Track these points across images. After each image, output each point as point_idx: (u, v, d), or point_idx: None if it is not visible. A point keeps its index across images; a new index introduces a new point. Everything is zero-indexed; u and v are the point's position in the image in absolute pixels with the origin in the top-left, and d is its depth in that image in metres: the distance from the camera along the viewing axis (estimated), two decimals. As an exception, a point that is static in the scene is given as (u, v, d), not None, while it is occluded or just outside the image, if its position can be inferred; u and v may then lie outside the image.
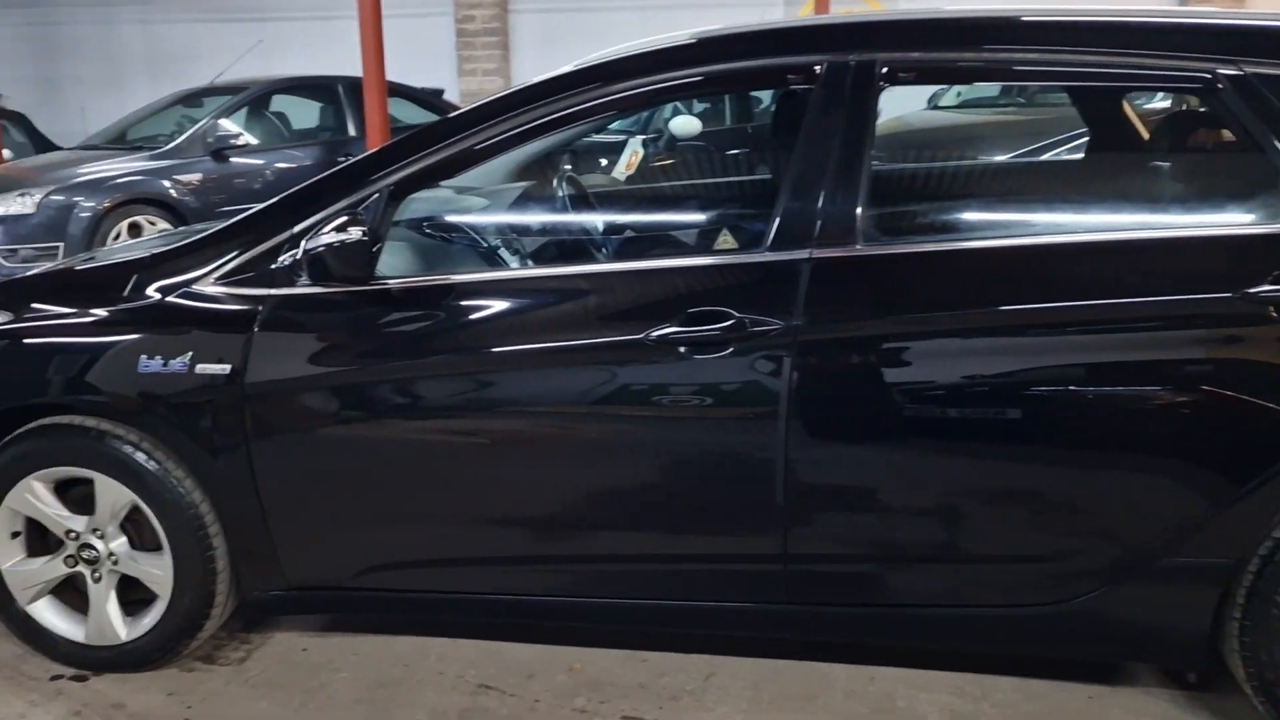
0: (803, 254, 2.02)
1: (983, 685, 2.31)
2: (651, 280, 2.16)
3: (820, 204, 2.03)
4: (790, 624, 2.23)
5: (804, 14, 9.56)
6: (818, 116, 2.08)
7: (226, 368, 2.19)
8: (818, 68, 2.09)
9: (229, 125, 7.40)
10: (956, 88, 7.37)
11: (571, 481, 2.19)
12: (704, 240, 3.08)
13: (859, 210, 2.02)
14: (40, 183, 6.70)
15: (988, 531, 2.05)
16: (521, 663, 2.45)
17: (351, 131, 7.92)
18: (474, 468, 2.20)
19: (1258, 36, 2.03)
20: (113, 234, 6.65)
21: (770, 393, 2.01)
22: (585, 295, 2.19)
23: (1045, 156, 4.44)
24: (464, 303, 2.19)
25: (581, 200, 3.11)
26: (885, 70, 2.06)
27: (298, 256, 2.18)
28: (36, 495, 2.36)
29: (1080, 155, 3.50)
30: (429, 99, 8.65)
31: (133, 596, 2.41)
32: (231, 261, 2.27)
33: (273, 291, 2.22)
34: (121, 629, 2.40)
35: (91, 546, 2.37)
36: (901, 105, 7.04)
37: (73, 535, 2.38)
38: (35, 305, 2.43)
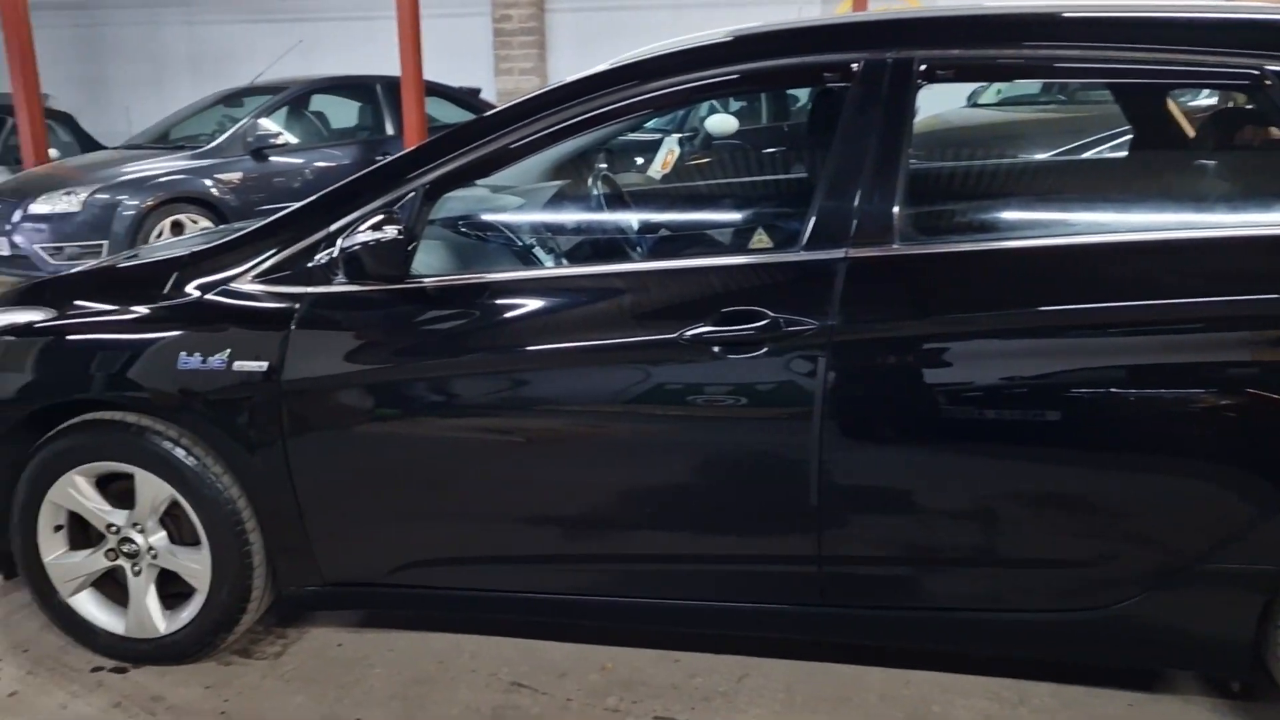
0: (838, 253, 2.00)
1: (1020, 691, 2.28)
2: (686, 279, 2.15)
3: (856, 203, 2.01)
4: (824, 626, 2.21)
5: (841, 11, 9.49)
6: (854, 115, 2.06)
7: (264, 365, 2.21)
8: (854, 65, 2.07)
9: (269, 125, 7.49)
10: (996, 85, 7.28)
11: (604, 480, 2.19)
12: (739, 239, 3.06)
13: (895, 209, 2.00)
14: (85, 181, 6.82)
15: (1026, 535, 2.02)
16: (554, 661, 2.46)
17: (389, 130, 7.98)
18: (508, 466, 2.21)
19: (1307, 31, 1.98)
20: (155, 232, 6.75)
21: (805, 393, 1.99)
22: (619, 294, 2.18)
23: (1087, 155, 4.38)
24: (498, 301, 2.20)
25: (616, 199, 3.11)
26: (923, 68, 2.04)
27: (334, 255, 2.20)
28: (79, 490, 2.40)
29: (1123, 153, 3.45)
30: (466, 98, 8.70)
31: (171, 590, 2.45)
32: (269, 260, 2.29)
33: (309, 289, 2.24)
34: (160, 622, 2.43)
35: (132, 540, 2.41)
36: (941, 103, 6.97)
37: (113, 529, 2.42)
38: (78, 302, 2.47)
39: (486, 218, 2.64)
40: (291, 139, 7.61)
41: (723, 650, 2.45)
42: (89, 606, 2.49)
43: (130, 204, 6.72)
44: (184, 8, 11.98)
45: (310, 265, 2.25)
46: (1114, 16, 2.06)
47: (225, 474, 2.30)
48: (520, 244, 2.61)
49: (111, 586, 2.50)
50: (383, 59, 8.54)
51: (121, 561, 2.43)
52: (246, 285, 2.30)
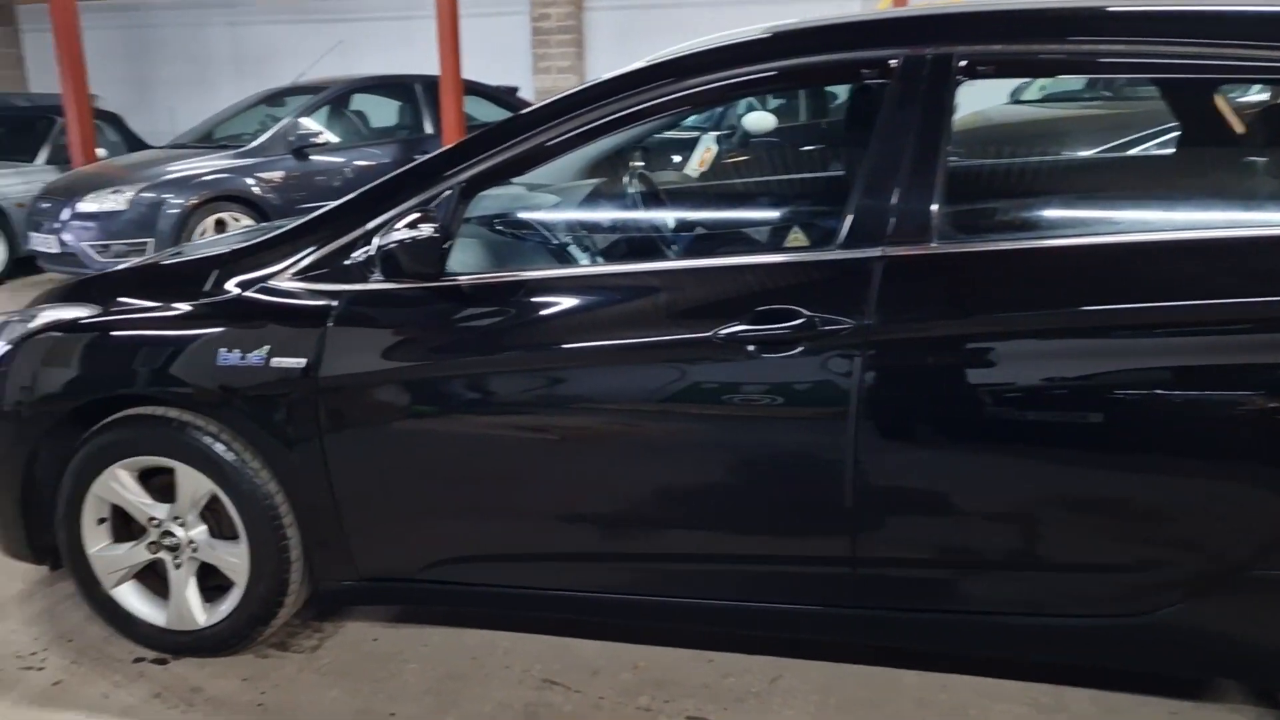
0: (875, 252, 1.98)
1: (1058, 697, 2.25)
2: (721, 278, 2.14)
3: (894, 201, 1.99)
4: (858, 628, 2.19)
5: (882, 6, 9.41)
6: (893, 112, 2.03)
7: (301, 361, 2.23)
8: (893, 62, 2.04)
9: (310, 124, 7.57)
10: (1040, 81, 7.17)
11: (637, 479, 2.19)
12: (774, 238, 3.04)
13: (934, 207, 1.97)
14: (132, 180, 6.94)
15: (1066, 539, 1.99)
16: (587, 659, 2.46)
17: (428, 129, 8.04)
18: (541, 463, 2.21)
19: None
20: (198, 230, 6.86)
21: (840, 393, 1.97)
22: (653, 292, 2.17)
23: (1132, 152, 4.30)
24: (532, 299, 2.20)
25: (652, 197, 3.10)
26: (963, 64, 2.01)
27: (370, 253, 2.22)
28: (121, 483, 2.45)
29: (1170, 150, 3.38)
30: (504, 97, 8.74)
31: (211, 583, 2.48)
32: (307, 257, 2.31)
33: (346, 287, 2.26)
34: (200, 615, 2.47)
35: (172, 534, 2.45)
36: (983, 99, 6.87)
37: (155, 522, 2.46)
38: (122, 299, 2.50)
39: (522, 216, 2.64)
40: (332, 138, 7.68)
41: (756, 651, 2.44)
42: (131, 598, 2.53)
43: (175, 202, 6.83)
44: (227, 9, 12.15)
45: (347, 263, 2.27)
46: (1160, 10, 2.02)
47: (263, 469, 2.32)
48: (555, 242, 2.61)
49: (153, 579, 2.54)
50: (422, 58, 8.61)
51: (163, 554, 2.47)
52: (285, 283, 2.32)
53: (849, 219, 2.02)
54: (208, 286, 2.39)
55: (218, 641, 2.48)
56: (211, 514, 2.43)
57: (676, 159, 4.68)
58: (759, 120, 5.90)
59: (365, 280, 2.25)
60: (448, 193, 2.22)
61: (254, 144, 7.38)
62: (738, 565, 2.19)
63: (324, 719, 2.28)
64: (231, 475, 2.33)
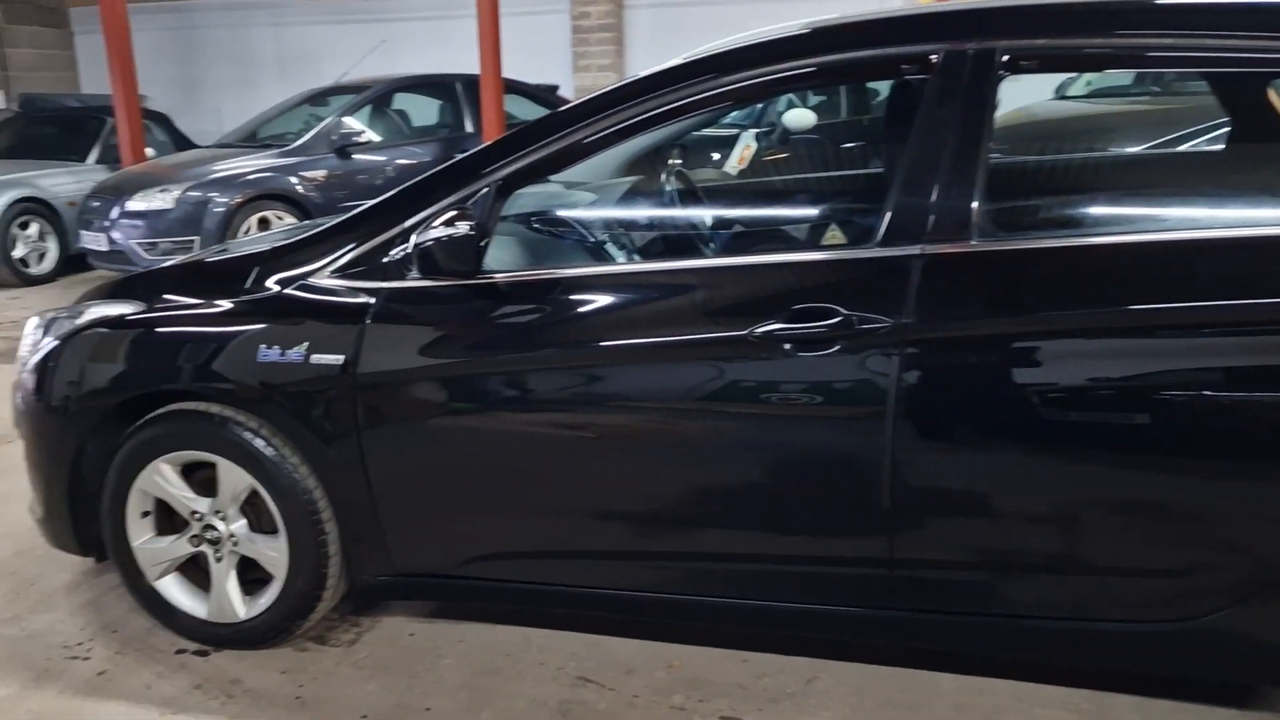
0: (914, 250, 1.95)
1: (1099, 703, 2.20)
2: (757, 276, 2.12)
3: (934, 198, 1.96)
4: (895, 630, 2.17)
5: (924, 1, 9.31)
6: (933, 108, 2.00)
7: (340, 358, 2.25)
8: (934, 57, 2.02)
9: (352, 123, 7.65)
10: (1086, 76, 7.05)
11: (673, 477, 2.18)
12: (812, 235, 3.02)
13: (974, 205, 1.94)
14: (179, 179, 7.06)
15: (1110, 542, 1.95)
16: (621, 657, 2.46)
17: (469, 128, 8.09)
18: (577, 461, 2.21)
19: None
20: (243, 228, 6.96)
21: (877, 392, 1.95)
22: (689, 290, 2.16)
23: (1181, 148, 4.21)
24: (569, 297, 2.20)
25: (689, 194, 3.08)
26: (1005, 59, 1.98)
27: (408, 250, 2.23)
28: (164, 477, 2.48)
29: (1220, 146, 3.30)
30: (544, 95, 8.76)
31: (251, 576, 2.51)
32: (346, 255, 2.33)
33: (384, 285, 2.28)
34: (240, 607, 2.50)
35: (214, 527, 2.48)
36: (1027, 95, 6.77)
37: (197, 516, 2.49)
38: (167, 296, 2.54)
39: (559, 213, 2.64)
40: (374, 137, 7.76)
41: (792, 651, 2.42)
42: (173, 590, 2.58)
43: (220, 201, 6.93)
44: (272, 10, 12.30)
45: (385, 261, 2.28)
46: (1212, 2, 1.97)
47: (302, 464, 2.35)
48: (592, 240, 2.61)
49: (195, 572, 2.58)
50: (462, 57, 8.66)
51: (204, 548, 2.51)
52: (324, 280, 2.34)
53: (888, 216, 1.99)
54: (249, 284, 2.42)
55: (257, 634, 2.51)
56: (252, 508, 2.46)
57: (715, 156, 4.66)
58: (799, 117, 5.86)
59: (403, 278, 2.26)
60: (484, 190, 2.22)
61: (297, 143, 7.47)
62: (773, 565, 2.18)
63: (361, 712, 2.30)
64: (271, 470, 2.35)
